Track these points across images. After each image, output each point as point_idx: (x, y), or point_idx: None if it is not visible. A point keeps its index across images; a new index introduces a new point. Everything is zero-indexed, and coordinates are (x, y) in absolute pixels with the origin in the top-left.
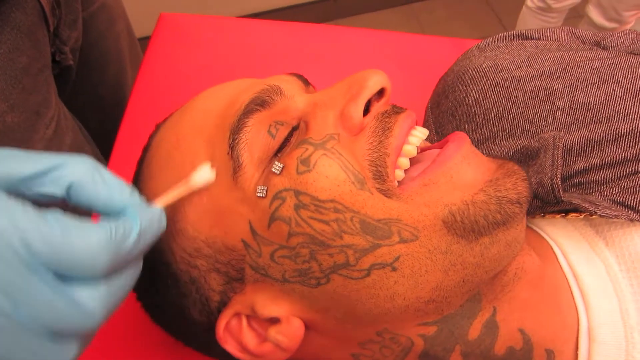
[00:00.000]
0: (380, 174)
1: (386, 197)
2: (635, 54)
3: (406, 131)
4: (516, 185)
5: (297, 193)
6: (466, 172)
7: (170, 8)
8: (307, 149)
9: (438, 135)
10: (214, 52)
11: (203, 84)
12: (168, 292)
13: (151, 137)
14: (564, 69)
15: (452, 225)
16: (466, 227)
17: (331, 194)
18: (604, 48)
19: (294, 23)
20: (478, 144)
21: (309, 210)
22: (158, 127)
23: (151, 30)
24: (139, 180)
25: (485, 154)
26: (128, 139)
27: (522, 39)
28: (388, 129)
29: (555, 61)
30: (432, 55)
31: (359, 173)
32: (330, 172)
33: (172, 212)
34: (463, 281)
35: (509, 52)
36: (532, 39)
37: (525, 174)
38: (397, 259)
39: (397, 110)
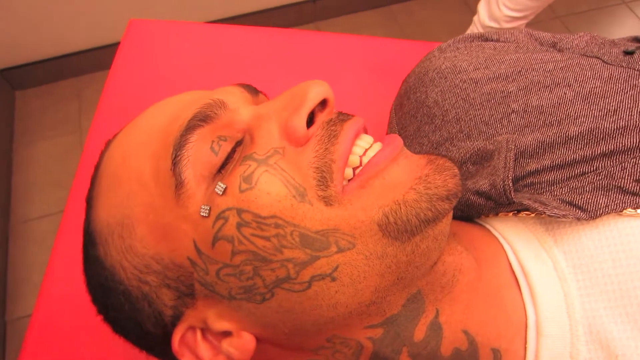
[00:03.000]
0: (324, 180)
1: (327, 205)
2: (587, 56)
3: (352, 138)
4: (446, 183)
5: (240, 211)
6: (396, 172)
7: (141, 14)
8: (250, 165)
9: (401, 137)
10: (183, 58)
11: (172, 90)
12: (122, 307)
13: (102, 154)
14: (519, 71)
15: (386, 228)
16: (399, 228)
17: (272, 210)
18: (560, 50)
19: (264, 28)
20: (437, 145)
21: (250, 227)
22: (108, 144)
23: (120, 36)
24: (92, 198)
25: (444, 155)
26: (96, 146)
27: (481, 41)
28: (334, 136)
29: (512, 64)
30: (403, 59)
31: (300, 186)
32: (272, 189)
33: (121, 228)
34: (397, 279)
35: (467, 53)
36: (492, 40)
37: (456, 170)
38: (336, 268)
39: (343, 117)
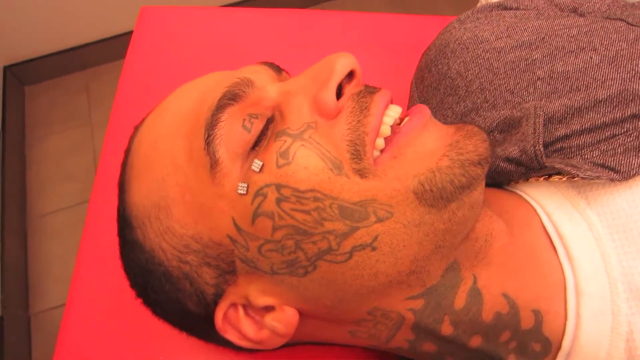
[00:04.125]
0: (358, 153)
1: (362, 177)
2: (611, 19)
3: (383, 110)
4: (477, 147)
5: (278, 187)
6: (427, 141)
7: (150, 1)
8: (285, 141)
9: None
10: (197, 43)
11: (188, 76)
12: (163, 288)
13: (131, 139)
14: (543, 38)
15: (422, 196)
16: (435, 195)
17: (310, 184)
18: (581, 14)
19: (276, 10)
20: (462, 116)
21: (290, 202)
22: (137, 129)
23: (132, 25)
24: (125, 183)
25: (471, 122)
26: (117, 136)
27: (500, 9)
28: (365, 108)
29: (534, 31)
30: (415, 35)
31: (335, 159)
32: (309, 163)
33: (158, 210)
34: (436, 248)
35: (488, 23)
36: (511, 9)
37: (485, 135)
38: (376, 238)
39: (371, 90)
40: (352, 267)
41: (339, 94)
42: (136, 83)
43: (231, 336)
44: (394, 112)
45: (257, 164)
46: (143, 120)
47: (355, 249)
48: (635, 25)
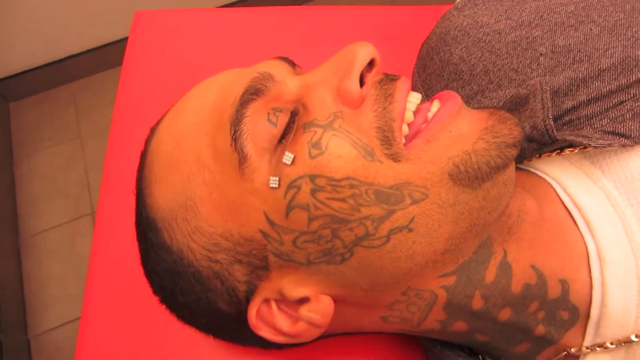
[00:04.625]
0: (387, 139)
1: (395, 161)
2: None
3: (406, 96)
4: (512, 130)
5: (313, 177)
6: (462, 125)
7: (144, 6)
8: (316, 132)
9: (427, 97)
10: (194, 45)
11: (188, 79)
12: (193, 289)
13: (147, 141)
14: (541, 16)
15: (457, 177)
16: (470, 175)
17: (346, 172)
18: None
19: (271, 7)
20: (469, 99)
21: (325, 191)
22: (153, 130)
23: (117, 35)
24: (145, 186)
25: (477, 107)
26: (120, 145)
27: None
28: (390, 94)
29: (532, 10)
30: (410, 25)
31: (367, 145)
32: (343, 151)
33: (185, 211)
34: (470, 226)
35: (486, 8)
36: None
37: (517, 120)
38: (412, 219)
39: (392, 77)
40: (389, 250)
41: (361, 82)
42: (136, 88)
43: (265, 333)
44: (414, 98)
45: (288, 157)
46: (159, 121)
47: (392, 232)
48: None
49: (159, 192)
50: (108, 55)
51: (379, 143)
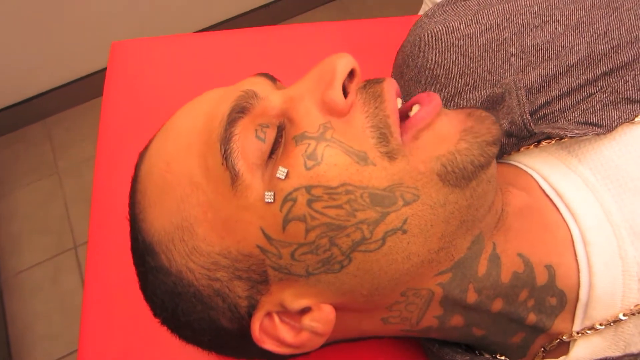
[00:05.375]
0: (384, 135)
1: (390, 160)
2: None
3: (395, 94)
4: (490, 129)
5: (309, 188)
6: (444, 124)
7: (101, 46)
8: (309, 144)
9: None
10: (173, 71)
11: (170, 104)
12: (194, 309)
13: (137, 166)
14: (509, 18)
15: (445, 177)
16: (457, 175)
17: (341, 179)
18: None
19: (246, 29)
20: (447, 101)
21: (322, 200)
22: (142, 155)
23: (87, 69)
24: (140, 211)
25: (455, 109)
26: (106, 175)
27: (464, 0)
28: (378, 95)
29: (499, 13)
30: (383, 36)
31: (359, 151)
32: (338, 160)
33: (181, 232)
34: (461, 223)
35: (455, 13)
36: None
37: (494, 118)
38: (405, 221)
39: (376, 80)
40: (386, 253)
41: (344, 93)
42: (118, 117)
43: (269, 345)
44: (399, 103)
45: (282, 172)
46: (148, 145)
47: (387, 234)
48: None
49: (154, 216)
50: (80, 90)
51: (375, 142)
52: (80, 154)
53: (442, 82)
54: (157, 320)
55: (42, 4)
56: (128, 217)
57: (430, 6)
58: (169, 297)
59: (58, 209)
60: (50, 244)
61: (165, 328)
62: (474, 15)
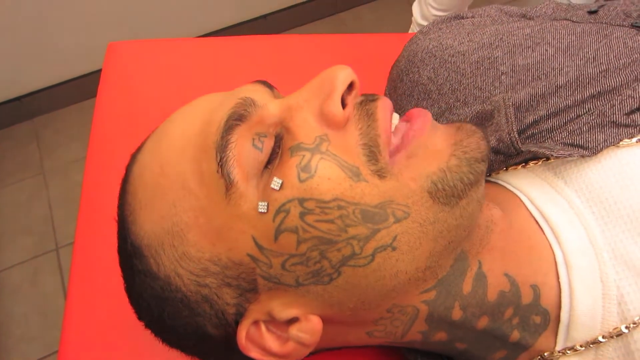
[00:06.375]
0: (374, 154)
1: (380, 178)
2: (558, 20)
3: (388, 113)
4: (479, 145)
5: (302, 200)
6: (435, 140)
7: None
8: (304, 156)
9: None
10: (167, 74)
11: (163, 108)
12: (180, 314)
13: (128, 168)
14: (501, 38)
15: (435, 195)
16: (447, 193)
17: (334, 193)
18: (530, 18)
19: (245, 37)
20: (438, 116)
21: (314, 214)
22: (134, 157)
23: (78, 71)
24: (129, 213)
25: (446, 123)
26: (96, 176)
27: (459, 19)
28: (372, 113)
29: (492, 33)
30: (380, 51)
31: (353, 166)
32: (331, 174)
33: (171, 237)
34: (449, 243)
35: (450, 32)
36: (467, 17)
37: (482, 134)
38: (395, 238)
39: (372, 97)
40: (375, 269)
41: (342, 104)
42: (110, 119)
43: (255, 354)
44: (394, 119)
45: (276, 183)
46: (140, 147)
47: (377, 250)
48: (579, 22)
49: (144, 219)
50: (69, 91)
51: (366, 160)
52: (67, 155)
53: (434, 98)
54: (141, 323)
55: (35, 5)
56: (116, 218)
57: (417, 29)
58: (155, 302)
59: (42, 209)
60: (31, 245)
61: (149, 331)
62: (468, 34)
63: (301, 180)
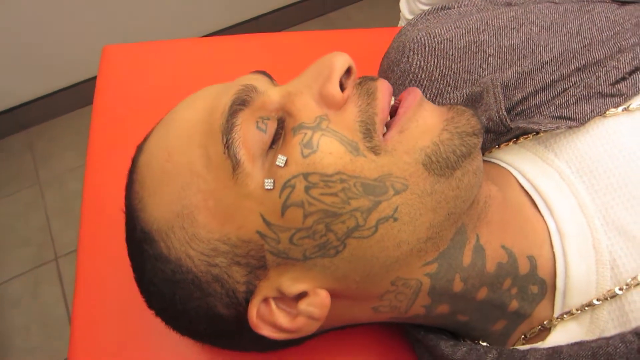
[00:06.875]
0: (369, 132)
1: (376, 154)
2: (541, 3)
3: (386, 93)
4: (469, 121)
5: (306, 175)
6: (427, 116)
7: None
8: (306, 133)
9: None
10: (163, 75)
11: (161, 109)
12: (192, 296)
13: (135, 159)
14: (487, 22)
15: (430, 167)
16: (441, 164)
17: (336, 167)
18: (515, 5)
19: (240, 36)
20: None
21: (318, 187)
22: (140, 147)
23: (70, 81)
24: (138, 201)
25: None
26: (96, 178)
27: (445, 10)
28: (372, 92)
29: (478, 19)
30: (370, 46)
31: (352, 141)
32: (332, 148)
33: (181, 220)
34: (448, 214)
35: (437, 21)
36: (454, 8)
37: (472, 112)
38: (396, 209)
39: (371, 78)
40: (378, 240)
41: (341, 88)
42: (108, 122)
43: (266, 331)
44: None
45: (281, 159)
46: (146, 138)
47: (379, 221)
48: (562, 3)
49: (154, 205)
50: (61, 101)
51: (362, 137)
52: (62, 164)
53: (425, 85)
54: (151, 317)
55: (23, 16)
56: (123, 209)
57: (405, 22)
58: (167, 286)
59: (39, 220)
60: (30, 256)
61: (157, 334)
62: (454, 22)
63: (304, 156)
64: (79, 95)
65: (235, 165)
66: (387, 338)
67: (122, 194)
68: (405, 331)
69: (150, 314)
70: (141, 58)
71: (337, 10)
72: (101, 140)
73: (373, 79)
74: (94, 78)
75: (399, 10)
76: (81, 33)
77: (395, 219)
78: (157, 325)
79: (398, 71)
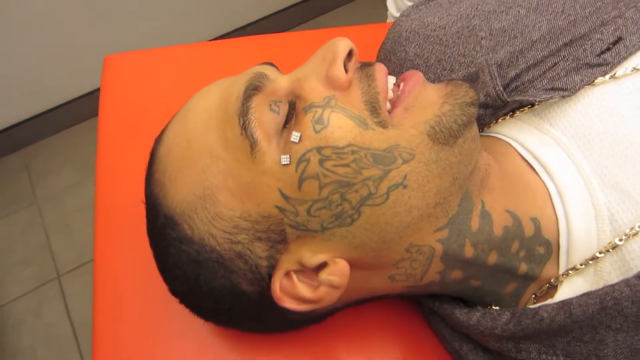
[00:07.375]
0: (375, 109)
1: (384, 127)
2: None
3: (384, 74)
4: (467, 92)
5: (320, 149)
6: (428, 93)
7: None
8: (316, 111)
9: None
10: (166, 81)
11: (165, 114)
12: (216, 275)
13: (154, 151)
14: (477, 8)
15: (435, 137)
16: (445, 134)
17: (347, 140)
18: None
19: (240, 38)
20: None
21: (331, 159)
22: (158, 140)
23: (62, 99)
24: (159, 190)
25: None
26: (107, 188)
27: (435, 0)
28: (371, 75)
29: (468, 5)
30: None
31: (360, 116)
32: (342, 122)
33: (203, 201)
34: (453, 180)
35: (429, 11)
36: None
37: (469, 85)
38: (405, 177)
39: (368, 63)
40: (390, 207)
41: (345, 70)
42: (115, 132)
43: (289, 304)
44: (391, 79)
45: (295, 135)
46: (163, 130)
47: (390, 189)
48: None
49: (176, 190)
50: (55, 119)
51: (369, 114)
52: (59, 182)
53: (422, 70)
54: (170, 321)
55: (16, 35)
56: (144, 200)
57: (393, 19)
58: (191, 267)
59: (39, 239)
60: (32, 275)
61: (175, 336)
62: (446, 10)
63: (316, 132)
64: (73, 112)
65: (252, 144)
66: (403, 314)
67: (134, 200)
68: (420, 304)
69: (168, 319)
70: (143, 65)
71: (326, 14)
72: (109, 148)
73: (370, 64)
74: (87, 94)
75: (386, 9)
76: (75, 53)
77: (405, 186)
78: (176, 330)
79: (395, 60)
